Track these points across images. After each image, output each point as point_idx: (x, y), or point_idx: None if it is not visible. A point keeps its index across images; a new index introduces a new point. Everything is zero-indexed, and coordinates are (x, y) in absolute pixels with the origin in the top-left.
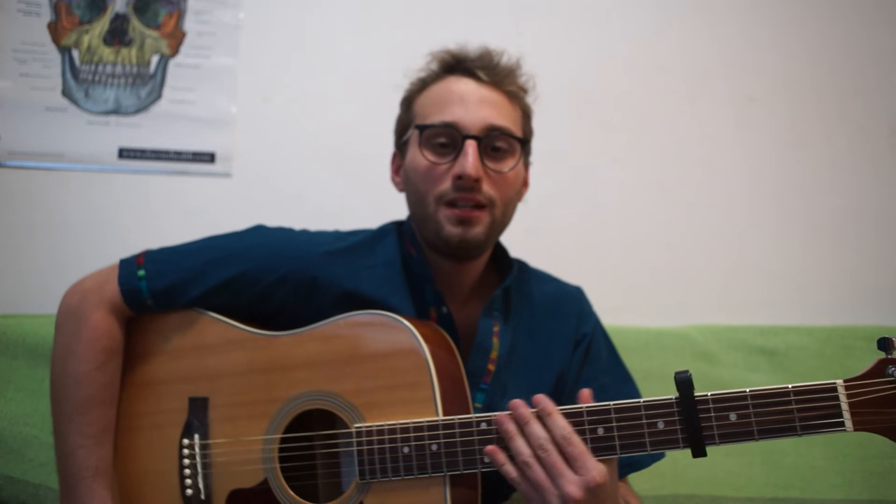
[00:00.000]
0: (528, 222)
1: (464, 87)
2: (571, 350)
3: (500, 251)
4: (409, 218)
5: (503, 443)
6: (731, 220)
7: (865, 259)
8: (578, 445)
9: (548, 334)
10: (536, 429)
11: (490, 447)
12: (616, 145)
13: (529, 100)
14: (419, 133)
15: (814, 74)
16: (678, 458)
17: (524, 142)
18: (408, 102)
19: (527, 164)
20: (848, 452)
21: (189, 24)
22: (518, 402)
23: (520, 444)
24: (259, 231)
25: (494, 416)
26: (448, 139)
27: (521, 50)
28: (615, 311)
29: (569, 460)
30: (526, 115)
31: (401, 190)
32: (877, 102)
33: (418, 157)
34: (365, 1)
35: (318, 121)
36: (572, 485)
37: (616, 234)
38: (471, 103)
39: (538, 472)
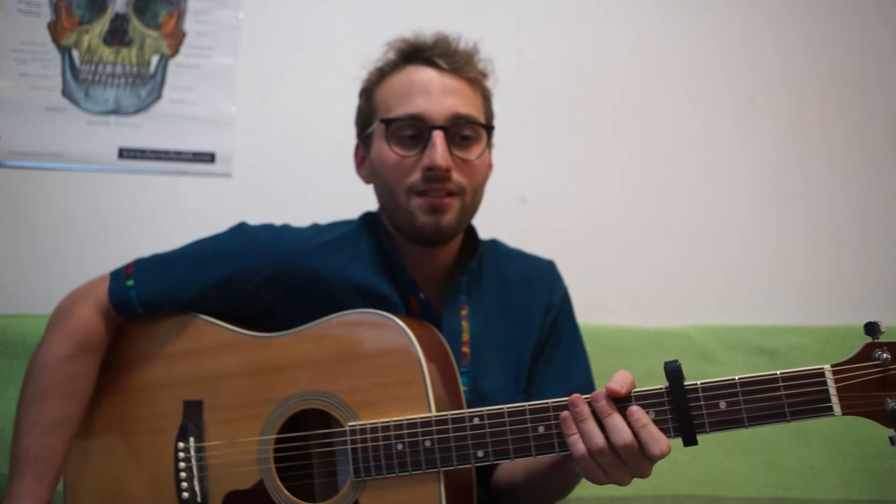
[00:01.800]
0: (528, 222)
1: (425, 76)
2: (543, 316)
3: (472, 234)
4: (379, 209)
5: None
6: (731, 220)
7: (865, 259)
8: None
9: (522, 307)
10: (620, 426)
11: (565, 413)
12: (616, 145)
13: (489, 84)
14: (385, 126)
15: (814, 74)
16: (678, 458)
17: (489, 128)
18: (368, 94)
19: (490, 147)
20: (848, 452)
21: (189, 24)
22: (600, 394)
23: (592, 428)
24: (242, 230)
25: (568, 399)
26: (415, 131)
27: (522, 50)
28: (615, 311)
29: (647, 456)
30: (487, 100)
31: (367, 182)
32: (877, 102)
33: (385, 151)
34: (364, 1)
35: (318, 121)
36: (648, 469)
37: (616, 234)
38: (434, 93)
39: (611, 457)
